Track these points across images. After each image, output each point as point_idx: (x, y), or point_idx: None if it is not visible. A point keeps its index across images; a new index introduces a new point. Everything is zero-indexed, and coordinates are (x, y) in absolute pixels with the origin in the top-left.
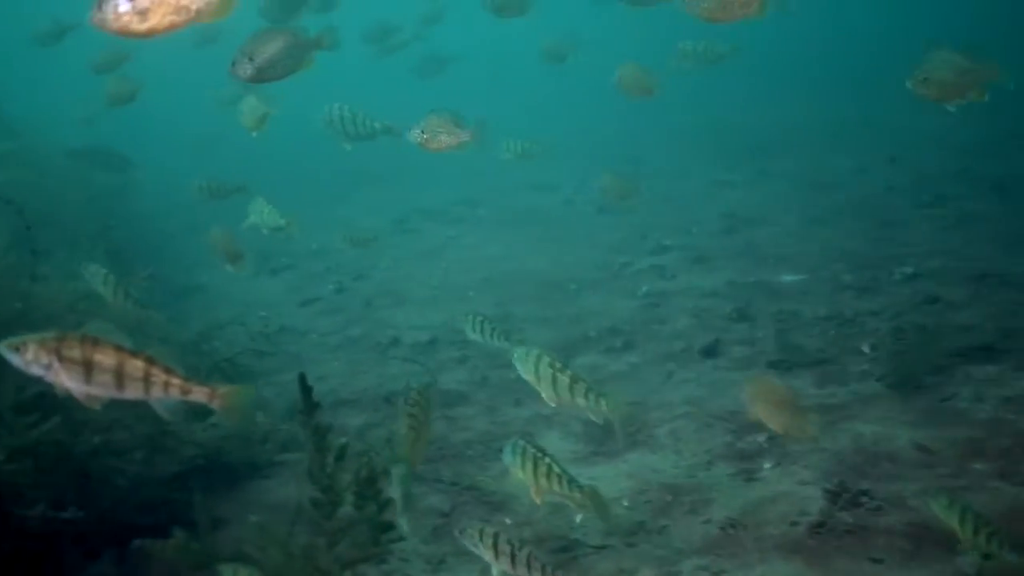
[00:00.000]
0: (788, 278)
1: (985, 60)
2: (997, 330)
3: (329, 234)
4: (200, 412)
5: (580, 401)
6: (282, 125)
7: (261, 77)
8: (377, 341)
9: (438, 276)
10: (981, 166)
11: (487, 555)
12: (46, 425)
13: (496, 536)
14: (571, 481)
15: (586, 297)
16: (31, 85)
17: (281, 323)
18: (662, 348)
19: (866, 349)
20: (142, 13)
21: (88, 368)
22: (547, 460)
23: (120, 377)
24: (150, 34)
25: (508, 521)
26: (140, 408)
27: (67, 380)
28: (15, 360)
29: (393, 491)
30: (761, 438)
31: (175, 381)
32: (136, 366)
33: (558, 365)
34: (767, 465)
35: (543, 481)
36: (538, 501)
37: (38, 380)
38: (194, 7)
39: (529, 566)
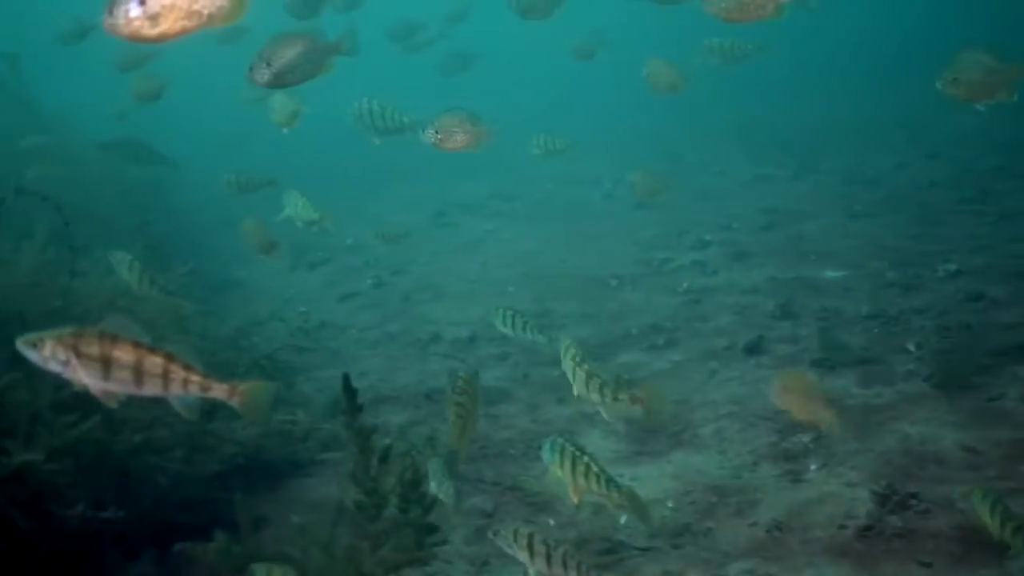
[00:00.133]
0: (830, 274)
1: (1014, 60)
2: None
3: (365, 229)
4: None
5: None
6: (315, 121)
7: (279, 82)
8: (416, 337)
9: (476, 270)
10: (1020, 163)
11: (522, 556)
12: (86, 424)
13: (531, 536)
14: (609, 481)
15: (627, 293)
16: (65, 81)
17: (320, 318)
18: (704, 345)
19: (911, 348)
20: (153, 18)
21: (106, 365)
22: (586, 459)
23: (139, 374)
24: (161, 39)
25: (551, 522)
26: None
27: (85, 377)
28: (33, 356)
29: (433, 480)
30: (806, 438)
31: (194, 378)
32: (155, 363)
33: (578, 359)
34: (813, 466)
35: (581, 480)
36: (575, 500)
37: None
38: (206, 12)
39: (565, 565)
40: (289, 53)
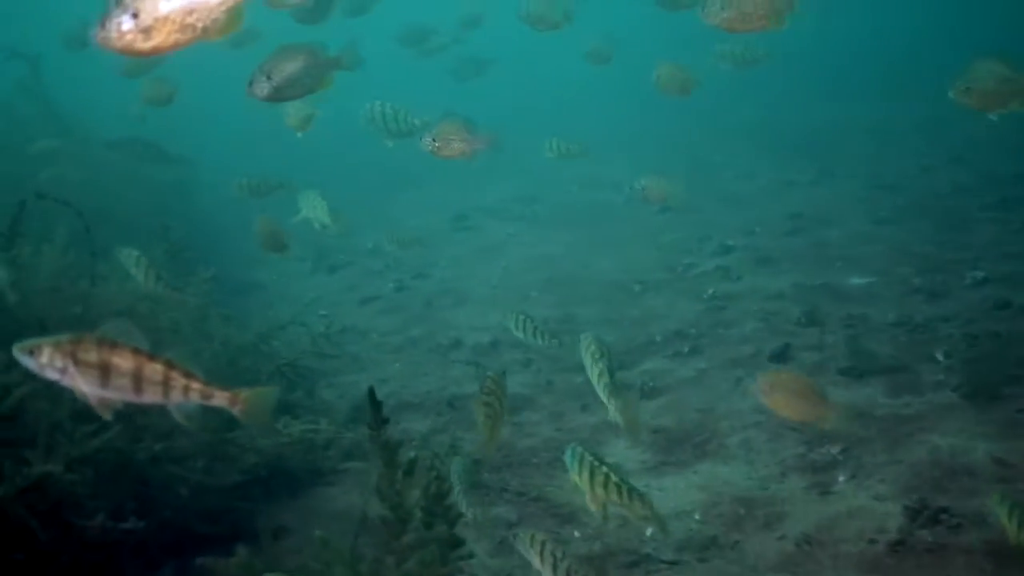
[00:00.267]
0: (856, 281)
1: None
2: None
3: (385, 232)
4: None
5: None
6: (336, 124)
7: (279, 96)
8: (438, 342)
9: (498, 275)
10: None
11: (536, 561)
12: (106, 434)
13: (544, 544)
14: (632, 491)
15: (650, 298)
16: (85, 82)
17: (341, 323)
18: (729, 353)
19: (939, 357)
20: (146, 32)
21: (105, 372)
22: (604, 469)
23: (138, 381)
24: (155, 52)
25: (577, 534)
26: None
27: (83, 384)
28: (29, 364)
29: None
30: (835, 449)
31: (195, 386)
32: (155, 370)
33: (596, 355)
34: (842, 478)
35: (600, 490)
36: (593, 508)
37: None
38: (200, 25)
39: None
40: (289, 67)
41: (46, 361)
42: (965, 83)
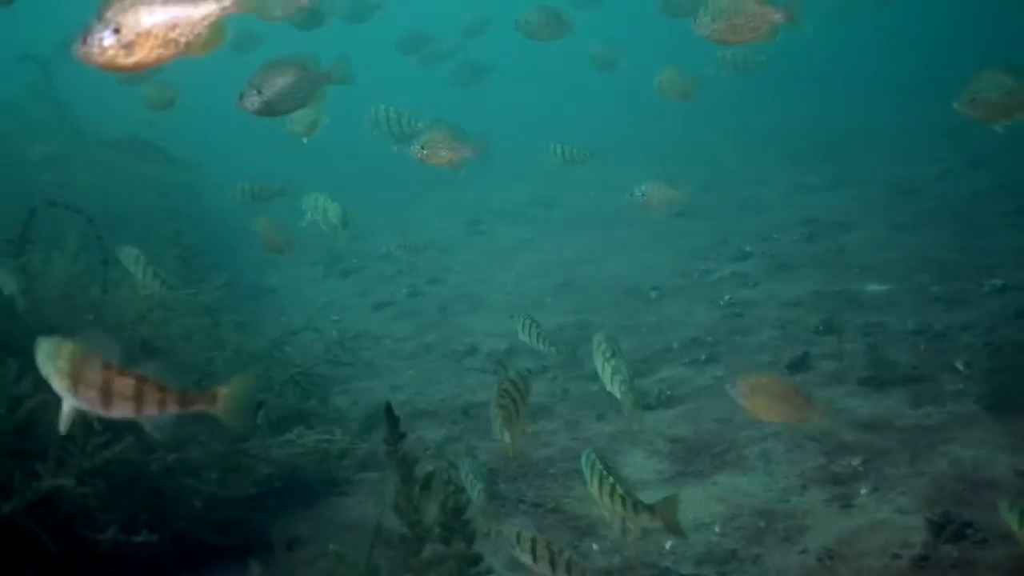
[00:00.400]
0: (874, 288)
1: None
2: None
3: (401, 236)
4: (276, 428)
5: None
6: (345, 128)
7: (269, 110)
8: (453, 349)
9: (513, 280)
10: None
11: (525, 559)
12: (118, 447)
13: (534, 540)
14: (636, 503)
15: (667, 305)
16: (95, 85)
17: (354, 328)
18: (747, 361)
19: (960, 366)
20: (128, 47)
21: (74, 384)
22: (611, 479)
23: (108, 395)
24: (137, 68)
25: (595, 547)
26: (214, 424)
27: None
28: None
29: (467, 483)
30: (856, 461)
31: (170, 395)
32: (126, 384)
33: (608, 354)
34: (863, 490)
35: (607, 500)
36: (606, 515)
37: None
38: (183, 40)
39: (569, 571)
40: (280, 82)
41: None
42: (970, 95)
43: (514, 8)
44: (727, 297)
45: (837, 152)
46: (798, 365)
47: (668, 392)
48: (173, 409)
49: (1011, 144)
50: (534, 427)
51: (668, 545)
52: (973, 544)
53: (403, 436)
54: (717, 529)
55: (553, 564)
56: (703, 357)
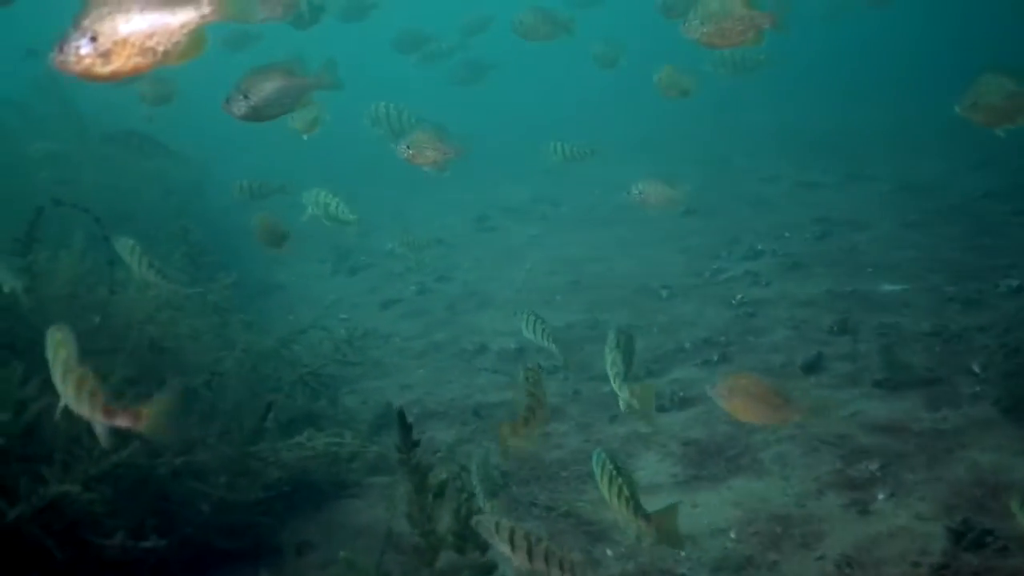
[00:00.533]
0: (888, 288)
1: None
2: None
3: (400, 235)
4: (286, 430)
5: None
6: (350, 124)
7: (256, 115)
8: (463, 348)
9: (522, 278)
10: None
11: (504, 548)
12: (125, 451)
13: (512, 530)
14: (637, 507)
15: (678, 304)
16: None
17: (362, 326)
18: (760, 362)
19: (976, 369)
20: (105, 55)
21: None
22: (620, 480)
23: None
24: (115, 77)
25: (609, 552)
26: (224, 427)
27: None
28: None
29: (475, 477)
30: (873, 465)
31: (98, 407)
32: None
33: (613, 344)
34: (881, 495)
35: (615, 501)
36: (619, 519)
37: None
38: (160, 48)
39: (547, 561)
40: (267, 87)
41: None
42: (971, 99)
43: (515, 6)
44: (739, 296)
45: (843, 150)
46: (812, 366)
47: (681, 393)
48: (99, 419)
49: (1017, 143)
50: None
51: (683, 552)
52: (994, 552)
53: (416, 444)
54: (733, 535)
55: (531, 554)
56: (715, 358)
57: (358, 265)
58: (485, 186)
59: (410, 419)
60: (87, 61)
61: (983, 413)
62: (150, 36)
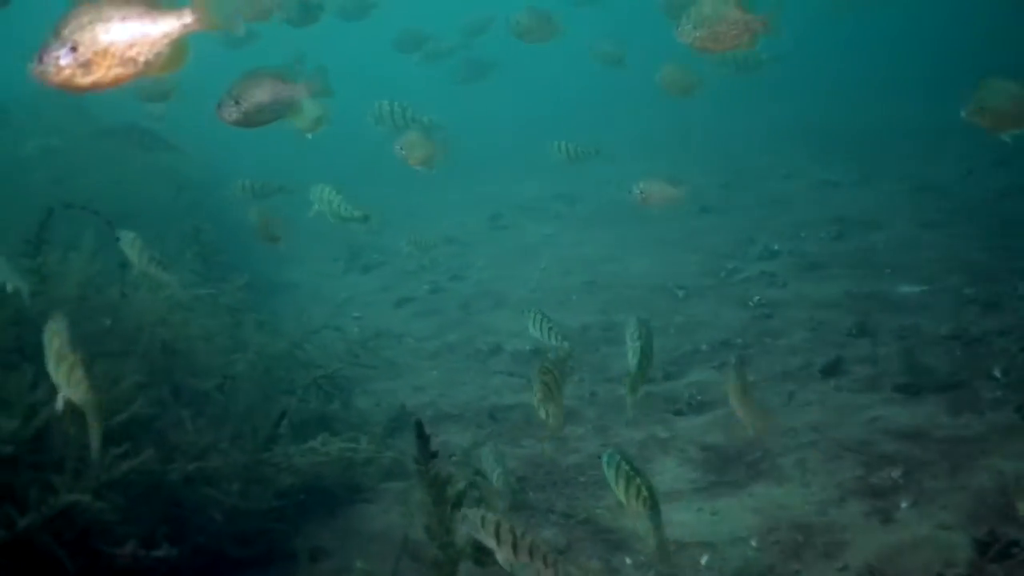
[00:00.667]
0: (906, 289)
1: None
2: None
3: (422, 231)
4: (299, 434)
5: None
6: (362, 123)
7: (247, 122)
8: (477, 348)
9: (536, 277)
10: None
11: (490, 542)
12: (137, 459)
13: (498, 524)
14: (654, 508)
15: (694, 305)
16: None
17: (375, 325)
18: (779, 365)
19: (997, 373)
20: (85, 66)
21: None
22: (638, 480)
23: None
24: (95, 87)
25: (628, 561)
26: (235, 432)
27: None
28: None
29: (489, 470)
30: (896, 473)
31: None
32: None
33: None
34: (904, 504)
35: (633, 503)
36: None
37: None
38: (142, 59)
39: (532, 555)
40: (258, 94)
41: None
42: (977, 103)
43: (517, 5)
44: (756, 297)
45: (860, 148)
46: (832, 370)
47: (699, 397)
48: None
49: None
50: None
51: (704, 560)
52: (1020, 564)
53: (434, 455)
54: (754, 543)
55: (516, 548)
56: (733, 360)
57: (371, 263)
58: (499, 184)
59: (424, 421)
60: (67, 72)
61: (1005, 419)
62: (131, 46)
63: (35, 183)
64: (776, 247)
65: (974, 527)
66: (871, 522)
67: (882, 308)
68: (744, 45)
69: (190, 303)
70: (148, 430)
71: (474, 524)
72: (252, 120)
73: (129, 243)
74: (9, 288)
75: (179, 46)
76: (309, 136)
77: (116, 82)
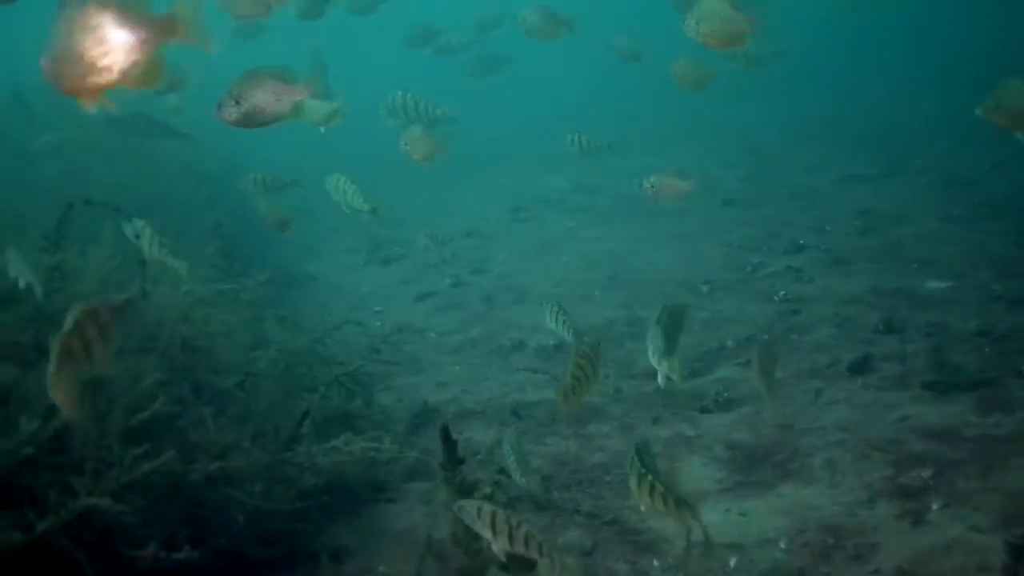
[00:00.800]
0: (933, 285)
1: None
2: None
3: (445, 222)
4: (321, 431)
5: None
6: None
7: (247, 122)
8: (500, 344)
9: (559, 272)
10: None
11: (486, 533)
12: (158, 461)
13: (494, 514)
14: (674, 500)
15: (719, 300)
16: None
17: (396, 320)
18: (806, 362)
19: None
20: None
21: None
22: (649, 477)
23: None
24: (76, 93)
25: (656, 563)
26: (257, 431)
27: None
28: None
29: (507, 456)
30: (926, 473)
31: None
32: None
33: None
34: (935, 505)
35: (647, 498)
36: (643, 509)
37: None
38: (116, 68)
39: (527, 544)
40: (258, 95)
41: None
42: (994, 101)
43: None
44: (782, 293)
45: (883, 142)
46: (860, 367)
47: (725, 394)
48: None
49: None
50: (585, 429)
51: (733, 563)
52: None
53: (461, 461)
54: (783, 545)
55: (511, 537)
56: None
57: (391, 256)
58: (520, 176)
59: (446, 418)
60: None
61: None
62: (105, 55)
63: (50, 176)
64: (801, 241)
65: (1007, 530)
66: (902, 524)
67: (909, 304)
68: (738, 44)
69: (211, 299)
70: (169, 428)
71: (470, 515)
72: (252, 120)
73: (138, 231)
74: (21, 284)
75: (153, 59)
76: (322, 130)
77: (94, 90)
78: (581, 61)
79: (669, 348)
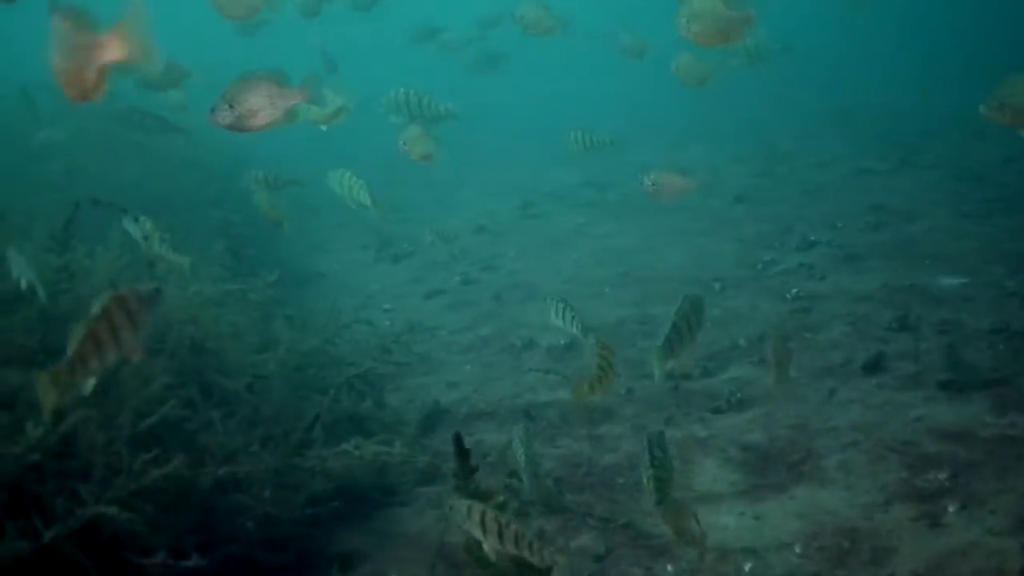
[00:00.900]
0: (946, 281)
1: None
2: None
3: (453, 219)
4: (331, 433)
5: None
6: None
7: (240, 126)
8: (511, 342)
9: (569, 269)
10: None
11: (476, 532)
12: (168, 467)
13: (484, 514)
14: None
15: (731, 298)
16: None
17: (406, 318)
18: (819, 361)
19: None
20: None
21: None
22: (651, 472)
23: None
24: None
25: (670, 568)
26: (266, 435)
27: None
28: None
29: (517, 453)
30: (943, 475)
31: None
32: None
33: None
34: (951, 508)
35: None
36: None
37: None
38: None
39: (517, 543)
40: (252, 99)
41: None
42: (998, 99)
43: None
44: (794, 290)
45: (894, 136)
46: (874, 366)
47: (738, 394)
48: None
49: None
50: (598, 431)
51: (747, 567)
52: None
53: (475, 470)
54: (798, 549)
55: (501, 536)
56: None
57: (401, 253)
58: (531, 171)
59: (457, 419)
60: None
61: None
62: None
63: (53, 172)
64: (813, 238)
65: None
66: (919, 527)
67: (922, 301)
68: (736, 40)
69: (220, 299)
70: (177, 432)
71: (461, 515)
72: (246, 124)
73: (139, 226)
74: (23, 284)
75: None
76: (323, 128)
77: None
78: (590, 57)
79: (672, 342)
